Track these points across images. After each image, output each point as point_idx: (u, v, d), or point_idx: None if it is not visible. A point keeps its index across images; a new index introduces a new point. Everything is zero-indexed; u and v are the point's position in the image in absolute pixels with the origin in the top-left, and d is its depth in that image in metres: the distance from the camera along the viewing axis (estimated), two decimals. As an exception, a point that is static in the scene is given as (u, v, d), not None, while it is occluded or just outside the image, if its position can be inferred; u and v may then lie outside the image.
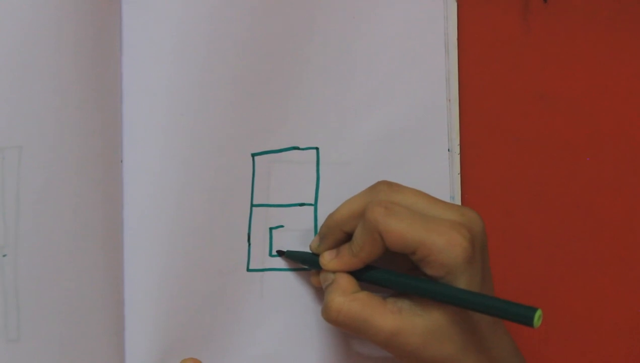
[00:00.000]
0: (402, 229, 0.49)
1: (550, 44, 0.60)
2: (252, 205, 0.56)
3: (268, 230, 0.56)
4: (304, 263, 0.56)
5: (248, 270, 0.56)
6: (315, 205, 0.57)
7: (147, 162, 0.54)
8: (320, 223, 0.56)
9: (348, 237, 0.53)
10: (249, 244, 0.56)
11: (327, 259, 0.53)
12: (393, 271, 0.52)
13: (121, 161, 0.54)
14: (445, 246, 0.48)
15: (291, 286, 0.56)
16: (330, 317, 0.51)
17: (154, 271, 0.54)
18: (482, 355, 0.50)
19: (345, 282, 0.52)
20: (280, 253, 0.56)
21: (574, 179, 0.59)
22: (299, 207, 0.57)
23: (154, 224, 0.54)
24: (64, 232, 0.52)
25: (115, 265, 0.54)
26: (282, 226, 0.57)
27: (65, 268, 0.52)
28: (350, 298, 0.51)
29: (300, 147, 0.57)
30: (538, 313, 0.46)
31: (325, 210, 0.56)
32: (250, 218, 0.56)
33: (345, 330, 0.52)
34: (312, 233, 0.57)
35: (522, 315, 0.46)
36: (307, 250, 0.56)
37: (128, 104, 0.54)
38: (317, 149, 0.57)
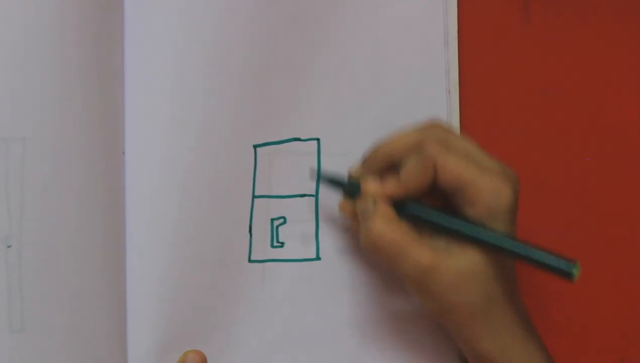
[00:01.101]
0: (459, 167, 0.50)
1: (550, 37, 0.60)
2: (253, 196, 0.56)
3: (269, 221, 0.57)
4: (339, 186, 0.55)
5: (250, 261, 0.56)
6: (316, 196, 0.57)
7: (149, 153, 0.54)
8: (321, 214, 0.57)
9: (388, 169, 0.53)
10: (251, 235, 0.56)
11: (372, 184, 0.53)
12: (435, 208, 0.52)
13: (123, 153, 0.54)
14: (495, 190, 0.50)
15: (293, 277, 0.57)
16: (371, 240, 0.51)
17: (156, 262, 0.54)
18: (506, 305, 0.51)
19: (387, 210, 0.52)
20: (313, 174, 0.56)
21: (574, 173, 0.59)
22: (300, 198, 0.57)
23: (155, 215, 0.54)
24: (67, 224, 0.52)
25: (117, 256, 0.54)
26: (283, 217, 0.57)
27: (69, 259, 0.52)
28: (393, 225, 0.51)
29: (302, 138, 0.57)
30: (577, 268, 0.48)
31: (326, 201, 0.56)
32: (251, 210, 0.56)
33: (382, 257, 0.51)
34: (314, 223, 0.57)
35: (562, 269, 0.48)
36: (310, 247, 0.57)
37: (130, 95, 0.55)
38: (318, 140, 0.57)
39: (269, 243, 0.57)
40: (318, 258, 0.57)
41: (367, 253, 0.53)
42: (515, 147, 0.59)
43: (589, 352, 0.59)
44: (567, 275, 0.48)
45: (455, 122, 0.58)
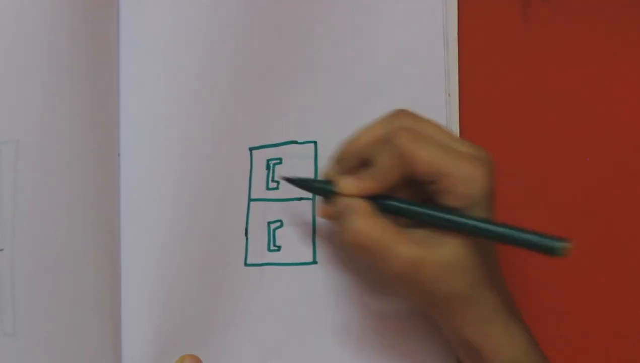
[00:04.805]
0: (430, 156, 0.49)
1: (550, 39, 0.59)
2: (249, 199, 0.56)
3: (266, 224, 0.56)
4: (313, 190, 0.54)
5: (246, 264, 0.56)
6: (313, 199, 0.56)
7: (144, 156, 0.54)
8: (318, 217, 0.56)
9: (362, 165, 0.52)
10: (247, 238, 0.56)
11: (347, 183, 0.51)
12: (414, 201, 0.51)
13: (118, 155, 0.54)
14: (470, 177, 0.49)
15: (289, 280, 0.56)
16: (350, 239, 0.50)
17: (151, 266, 0.54)
18: (489, 292, 0.50)
19: (366, 206, 0.50)
20: (287, 180, 0.54)
21: (573, 175, 0.59)
22: (297, 201, 0.57)
23: (151, 218, 0.54)
24: (60, 227, 0.52)
25: (112, 259, 0.53)
26: (280, 220, 0.56)
27: (62, 262, 0.52)
28: (372, 222, 0.50)
29: (299, 140, 0.57)
30: (566, 244, 0.46)
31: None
32: (247, 213, 0.56)
33: (363, 255, 0.50)
34: (311, 226, 0.56)
35: (549, 246, 0.47)
36: (307, 238, 0.56)
37: (125, 98, 0.55)
38: (315, 142, 0.57)
39: (265, 246, 0.56)
40: (315, 262, 0.57)
41: (350, 251, 0.52)
42: (515, 149, 0.59)
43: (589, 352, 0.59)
44: (550, 251, 0.46)
45: (454, 124, 0.58)
